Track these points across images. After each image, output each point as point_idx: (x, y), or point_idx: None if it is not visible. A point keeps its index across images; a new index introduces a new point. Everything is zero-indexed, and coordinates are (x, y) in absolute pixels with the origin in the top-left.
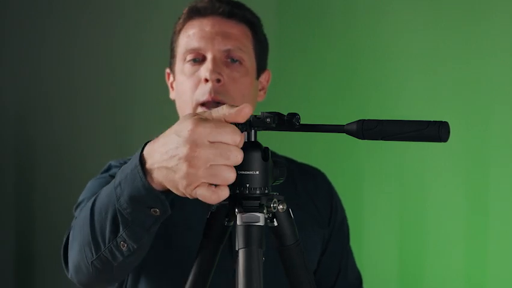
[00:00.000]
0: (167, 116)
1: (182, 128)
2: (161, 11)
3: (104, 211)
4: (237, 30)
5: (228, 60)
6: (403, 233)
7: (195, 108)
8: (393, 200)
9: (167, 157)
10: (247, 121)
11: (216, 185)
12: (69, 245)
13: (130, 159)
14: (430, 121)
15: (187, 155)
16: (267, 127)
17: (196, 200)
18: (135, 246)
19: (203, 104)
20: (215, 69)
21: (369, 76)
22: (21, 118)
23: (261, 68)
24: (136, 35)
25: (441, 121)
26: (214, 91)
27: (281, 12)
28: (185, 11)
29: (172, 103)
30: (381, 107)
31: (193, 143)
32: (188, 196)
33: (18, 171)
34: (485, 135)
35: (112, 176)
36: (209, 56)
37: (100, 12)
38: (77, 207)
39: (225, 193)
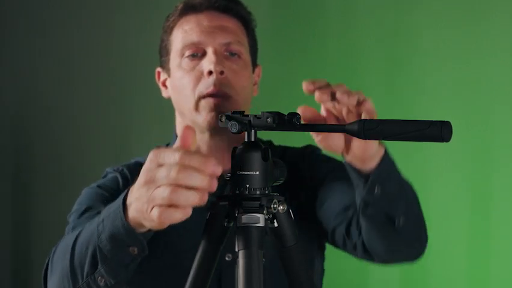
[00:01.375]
0: (167, 116)
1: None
2: (161, 11)
3: (85, 246)
4: (233, 25)
5: (227, 53)
6: None
7: (197, 101)
8: None
9: (137, 188)
10: (247, 121)
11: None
12: (48, 273)
13: (126, 165)
14: (432, 121)
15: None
16: (267, 127)
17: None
18: (112, 282)
19: (210, 96)
20: (218, 61)
21: (370, 76)
22: (19, 118)
23: (254, 62)
24: (136, 35)
25: (444, 121)
26: (219, 83)
27: (281, 10)
28: (179, 7)
29: (168, 103)
30: (382, 106)
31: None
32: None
33: (16, 172)
34: (488, 135)
35: (100, 187)
36: (210, 50)
37: (100, 13)
38: (71, 215)
39: (175, 214)
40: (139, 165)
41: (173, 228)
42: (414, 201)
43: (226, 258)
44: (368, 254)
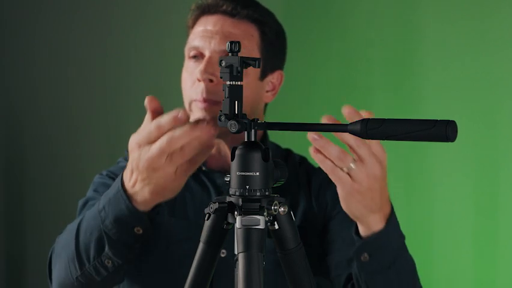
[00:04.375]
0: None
1: None
2: (159, 10)
3: (89, 232)
4: (240, 30)
5: None
6: (409, 235)
7: (190, 105)
8: (399, 201)
9: (130, 167)
10: (247, 121)
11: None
12: (52, 262)
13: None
14: (437, 120)
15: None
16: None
17: (198, 211)
18: (120, 262)
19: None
20: (207, 69)
21: (374, 75)
22: (14, 118)
23: (267, 69)
24: (134, 36)
25: (449, 120)
26: (206, 91)
27: (285, 10)
28: (192, 8)
29: (163, 102)
30: (386, 106)
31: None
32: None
33: (10, 172)
34: (494, 135)
35: (109, 176)
36: (206, 56)
37: (97, 12)
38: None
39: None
40: None
41: (176, 234)
42: (408, 276)
43: (221, 255)
44: None
